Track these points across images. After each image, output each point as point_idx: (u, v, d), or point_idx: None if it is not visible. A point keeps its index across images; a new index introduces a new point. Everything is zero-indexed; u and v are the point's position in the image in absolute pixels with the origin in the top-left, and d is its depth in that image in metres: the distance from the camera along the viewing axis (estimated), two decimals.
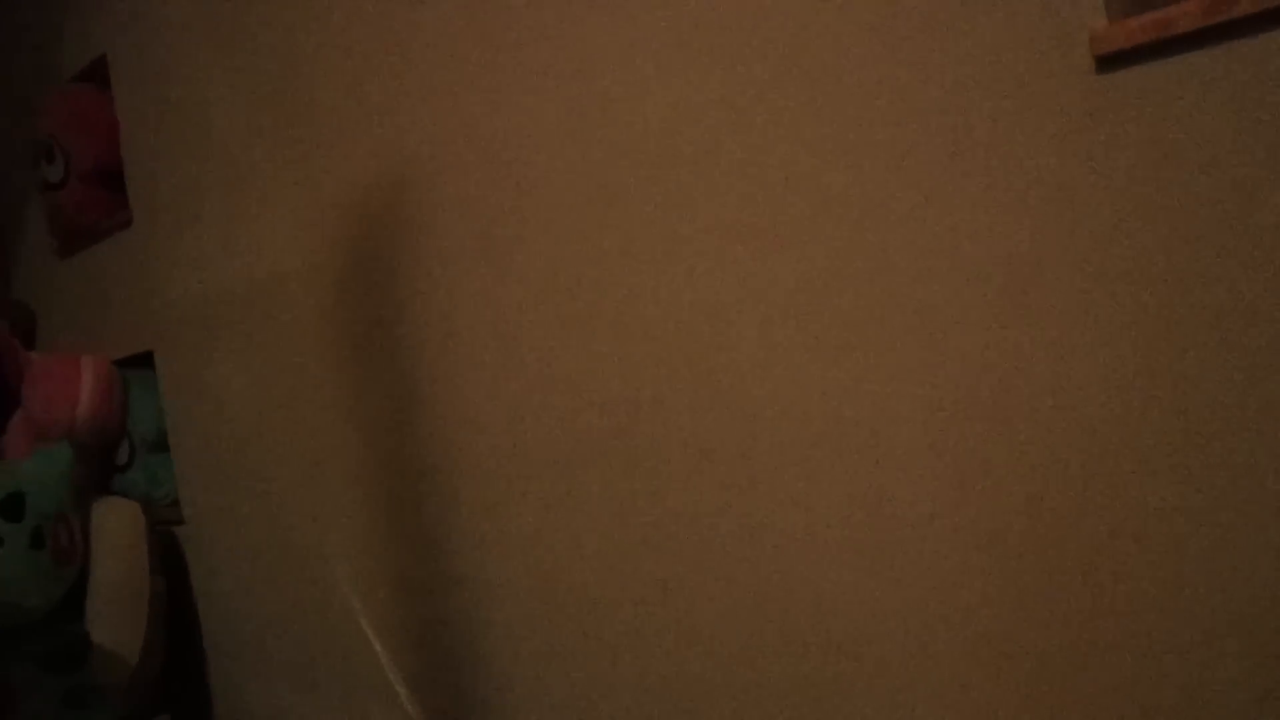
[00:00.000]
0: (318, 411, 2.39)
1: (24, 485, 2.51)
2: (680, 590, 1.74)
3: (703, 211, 1.61)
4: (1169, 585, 1.20)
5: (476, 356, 2.00)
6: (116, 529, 2.70)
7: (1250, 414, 1.11)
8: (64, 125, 2.96)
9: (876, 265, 1.40)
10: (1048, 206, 1.23)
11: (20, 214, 3.47)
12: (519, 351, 1.92)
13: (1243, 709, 1.16)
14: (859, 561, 1.50)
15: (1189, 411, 1.15)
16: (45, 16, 3.21)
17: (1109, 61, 1.15)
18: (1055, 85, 1.20)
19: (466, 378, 2.02)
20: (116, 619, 2.60)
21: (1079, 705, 1.30)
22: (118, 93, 2.90)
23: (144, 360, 2.91)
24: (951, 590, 1.40)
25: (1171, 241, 1.14)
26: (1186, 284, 1.14)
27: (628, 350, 1.75)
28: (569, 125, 1.78)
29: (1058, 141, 1.21)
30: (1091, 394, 1.23)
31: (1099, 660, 1.27)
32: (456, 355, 2.03)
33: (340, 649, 2.42)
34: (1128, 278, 1.18)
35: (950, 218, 1.32)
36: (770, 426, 1.58)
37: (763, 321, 1.56)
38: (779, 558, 1.59)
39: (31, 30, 3.31)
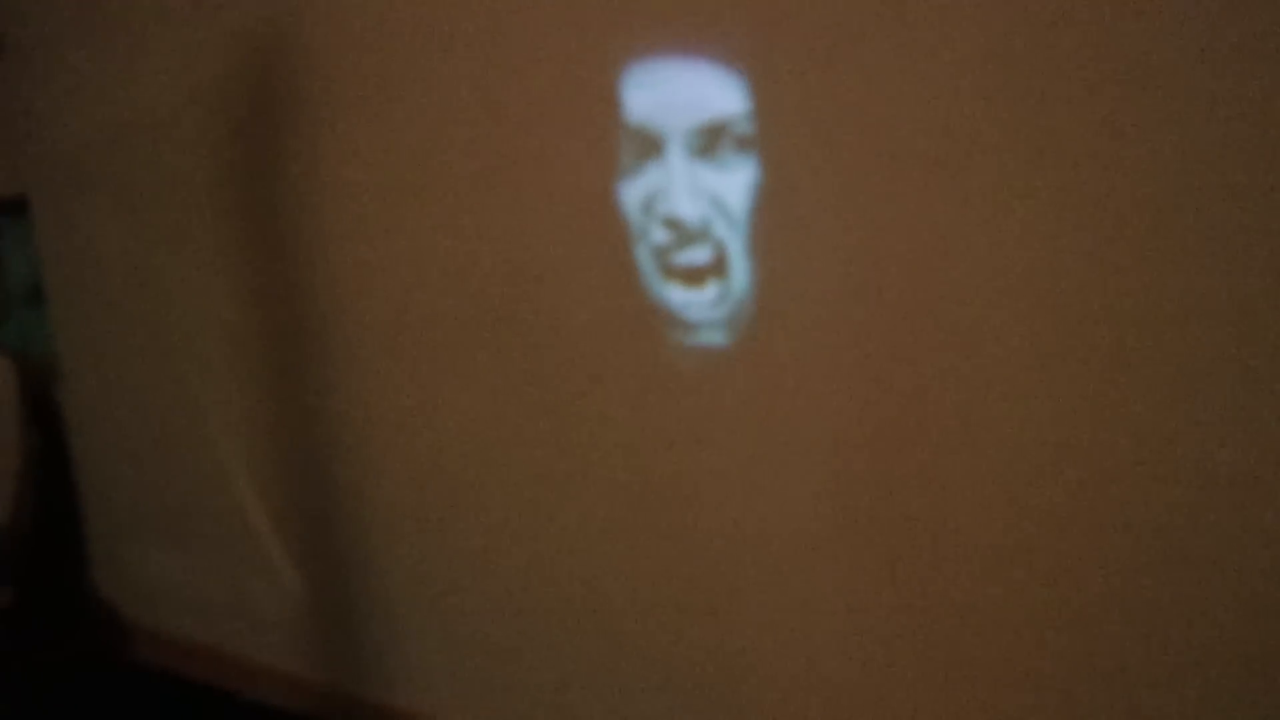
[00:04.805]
0: (201, 263, 2.25)
1: None
2: (574, 471, 1.69)
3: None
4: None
5: (370, 212, 1.88)
6: None
7: None
8: None
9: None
10: None
11: None
12: (415, 210, 1.80)
13: None
14: (761, 452, 1.46)
15: None
16: None
17: None
18: None
19: (359, 234, 1.91)
20: None
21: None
22: None
23: (14, 208, 2.71)
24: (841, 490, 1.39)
25: None
26: None
27: (532, 214, 1.64)
28: None
29: None
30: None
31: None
32: (349, 209, 1.91)
33: (220, 513, 2.33)
34: None
35: None
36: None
37: None
38: (682, 443, 1.55)
39: None
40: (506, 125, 1.64)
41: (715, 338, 1.47)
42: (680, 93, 1.45)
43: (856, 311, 1.35)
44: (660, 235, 1.49)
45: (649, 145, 1.49)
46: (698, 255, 1.46)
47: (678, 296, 1.50)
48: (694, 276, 1.48)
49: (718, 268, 1.45)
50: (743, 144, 1.40)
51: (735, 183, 1.41)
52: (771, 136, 1.38)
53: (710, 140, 1.42)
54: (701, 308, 1.48)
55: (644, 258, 1.53)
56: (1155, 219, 1.12)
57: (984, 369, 1.26)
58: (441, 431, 1.86)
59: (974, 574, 1.31)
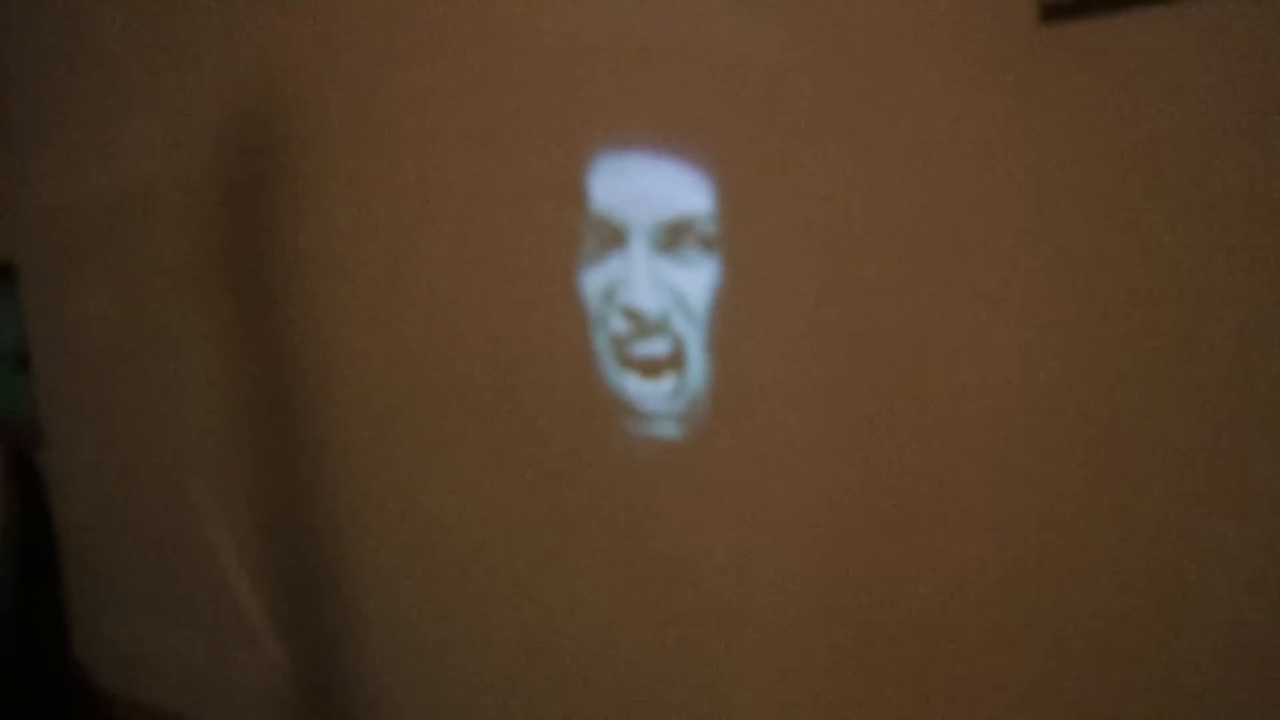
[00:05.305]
0: (189, 335, 2.26)
1: None
2: (559, 549, 1.68)
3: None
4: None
5: (358, 287, 1.89)
6: None
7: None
8: None
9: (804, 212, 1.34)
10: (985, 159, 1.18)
11: None
12: (404, 284, 1.81)
13: None
14: (734, 515, 1.47)
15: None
16: None
17: (1055, 11, 1.10)
18: (998, 37, 1.15)
19: (347, 309, 1.92)
20: None
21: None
22: None
23: (1, 274, 2.72)
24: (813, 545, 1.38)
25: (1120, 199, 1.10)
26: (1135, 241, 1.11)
27: (518, 293, 1.65)
28: (464, 44, 1.66)
29: (998, 94, 1.16)
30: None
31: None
32: (337, 284, 1.92)
33: (207, 586, 2.32)
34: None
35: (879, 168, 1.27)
36: None
37: None
38: (662, 506, 1.55)
39: None
40: (487, 211, 1.66)
41: (669, 430, 1.47)
42: (648, 187, 1.46)
43: (818, 409, 1.36)
44: (619, 325, 1.50)
45: (613, 235, 1.51)
46: (656, 347, 1.47)
47: (634, 387, 1.50)
48: (651, 368, 1.48)
49: (675, 361, 1.45)
50: (707, 243, 1.41)
51: (697, 279, 1.42)
52: (736, 238, 1.40)
53: (674, 236, 1.44)
54: (658, 399, 1.48)
55: (602, 346, 1.53)
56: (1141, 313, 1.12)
57: (946, 474, 1.26)
58: (431, 508, 1.86)
59: (951, 651, 1.30)
